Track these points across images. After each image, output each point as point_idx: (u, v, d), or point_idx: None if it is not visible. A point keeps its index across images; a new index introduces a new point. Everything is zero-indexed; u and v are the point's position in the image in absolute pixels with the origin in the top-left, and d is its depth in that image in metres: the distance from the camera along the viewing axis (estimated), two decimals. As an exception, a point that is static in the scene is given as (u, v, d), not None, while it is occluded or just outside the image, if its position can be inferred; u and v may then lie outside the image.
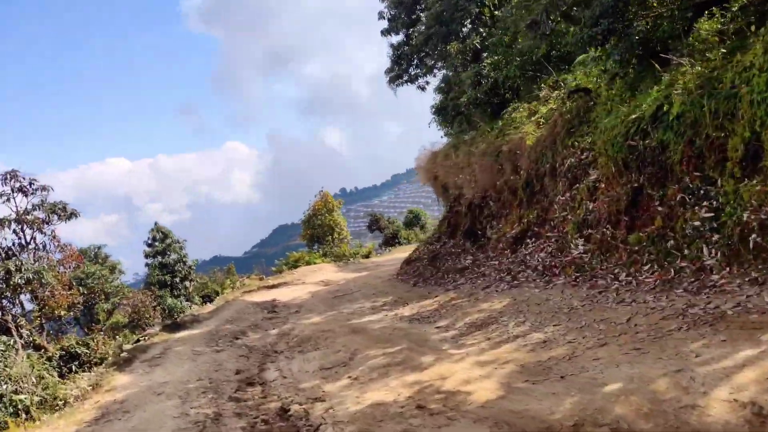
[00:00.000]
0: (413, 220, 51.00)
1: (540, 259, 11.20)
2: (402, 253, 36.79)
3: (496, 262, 13.12)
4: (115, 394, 9.70)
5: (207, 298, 29.00)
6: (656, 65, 9.33)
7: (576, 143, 11.73)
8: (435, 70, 21.88)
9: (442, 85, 21.67)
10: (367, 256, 37.14)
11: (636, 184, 9.36)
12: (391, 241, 45.88)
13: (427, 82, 22.34)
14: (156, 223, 29.86)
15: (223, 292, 28.50)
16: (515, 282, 11.02)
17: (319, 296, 19.71)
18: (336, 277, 26.28)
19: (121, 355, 12.08)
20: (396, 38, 21.80)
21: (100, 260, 33.08)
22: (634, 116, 9.07)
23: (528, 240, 12.52)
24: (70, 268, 23.73)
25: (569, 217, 11.24)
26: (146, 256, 29.36)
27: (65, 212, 19.83)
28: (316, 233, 42.11)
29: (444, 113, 21.44)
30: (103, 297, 28.27)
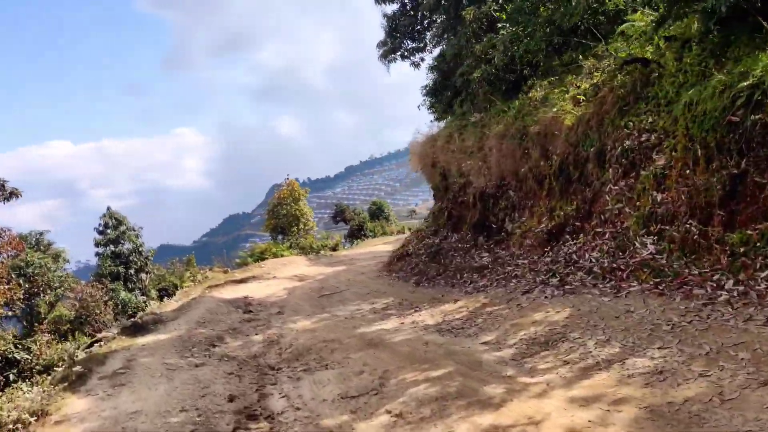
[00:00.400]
0: (376, 212, 49.32)
1: (594, 259, 9.37)
2: (373, 246, 34.92)
3: (527, 261, 11.26)
4: (69, 428, 7.38)
5: (164, 292, 26.37)
6: (765, 23, 7.57)
7: (631, 123, 9.94)
8: (431, 45, 19.89)
9: (436, 63, 19.65)
10: (334, 249, 35.09)
11: (736, 171, 7.58)
12: (357, 234, 44.00)
13: (422, 59, 20.37)
14: (109, 208, 26.95)
15: (183, 286, 25.95)
16: (567, 286, 9.16)
17: (298, 294, 17.57)
18: (310, 271, 24.15)
19: (74, 368, 9.70)
20: (391, 7, 19.70)
21: (42, 247, 29.96)
22: (745, 83, 7.25)
23: (567, 236, 10.70)
24: (9, 256, 20.86)
25: (626, 209, 9.45)
26: (97, 244, 26.45)
27: (4, 191, 17.01)
28: (281, 223, 39.80)
29: (439, 94, 19.47)
30: (46, 289, 25.36)
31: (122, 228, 26.29)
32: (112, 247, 25.84)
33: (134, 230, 26.64)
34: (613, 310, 7.59)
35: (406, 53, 20.12)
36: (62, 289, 27.89)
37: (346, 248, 38.04)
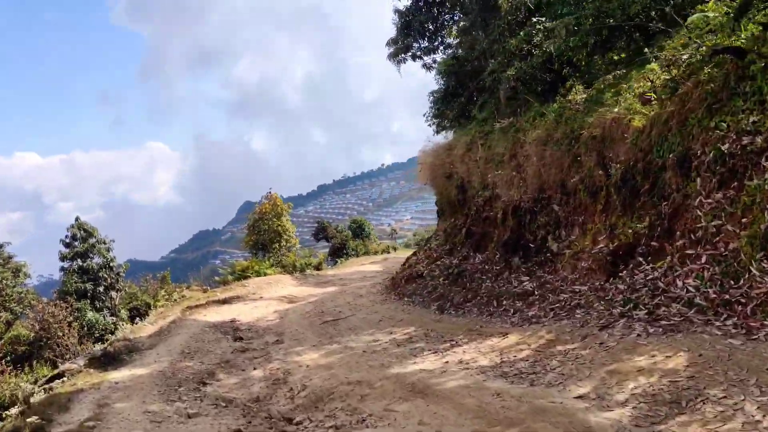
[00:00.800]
0: (357, 230, 47.61)
1: (692, 288, 7.55)
2: (359, 266, 33.06)
3: (587, 287, 9.43)
4: None
5: (136, 312, 23.91)
6: None
7: (725, 123, 8.23)
8: (443, 47, 18.16)
9: (449, 66, 17.89)
10: (318, 268, 33.05)
11: None
12: (339, 252, 42.14)
13: (435, 61, 18.61)
14: (77, 219, 24.43)
15: (157, 305, 23.52)
16: (663, 322, 7.32)
17: (294, 318, 15.54)
18: (299, 292, 22.20)
19: (28, 419, 7.52)
20: (404, 2, 17.91)
21: (1, 260, 27.30)
22: None
23: (640, 258, 8.89)
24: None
25: (729, 227, 7.69)
26: (62, 258, 23.82)
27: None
28: (262, 239, 37.63)
29: (451, 100, 17.71)
30: (0, 308, 22.78)
31: (92, 240, 23.77)
32: (79, 262, 23.32)
33: (105, 243, 24.16)
34: (757, 359, 5.76)
35: (418, 53, 18.37)
36: (21, 306, 25.31)
37: (330, 267, 36.10)
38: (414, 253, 19.86)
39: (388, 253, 43.80)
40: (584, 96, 11.81)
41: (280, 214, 38.30)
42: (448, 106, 17.88)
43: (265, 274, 28.04)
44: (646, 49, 10.34)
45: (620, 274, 9.00)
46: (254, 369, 10.45)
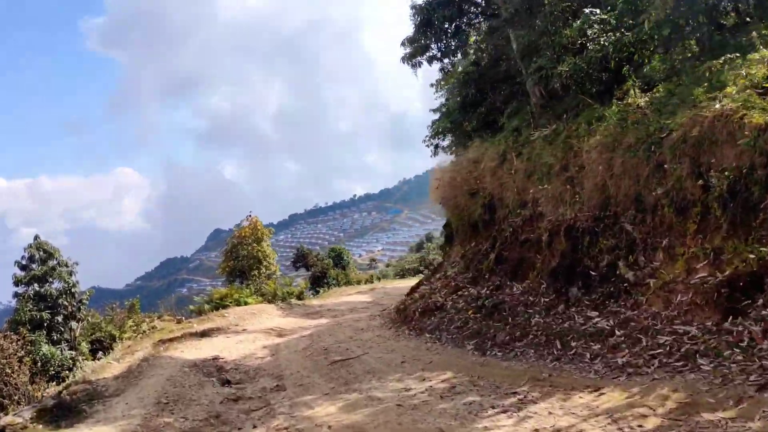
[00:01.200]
0: (335, 259, 45.43)
1: None
2: (347, 296, 30.80)
3: (695, 328, 7.30)
4: None
5: (98, 345, 21.08)
6: None
7: None
8: (460, 55, 16.27)
9: (468, 73, 15.93)
10: (299, 297, 30.61)
11: None
12: (320, 281, 39.80)
13: (452, 64, 16.66)
14: (37, 237, 21.59)
15: (123, 337, 20.74)
16: None
17: (289, 356, 13.19)
18: (287, 323, 19.83)
19: None
20: (421, -3, 15.92)
21: (-50, 285, 24.32)
22: None
23: (774, 291, 6.82)
24: None
25: None
26: (17, 282, 20.89)
27: None
28: (239, 266, 35.03)
29: (469, 111, 15.73)
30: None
31: (52, 263, 20.93)
32: (36, 287, 20.53)
33: (67, 266, 21.31)
34: None
35: (438, 54, 16.31)
36: (-31, 336, 22.30)
37: (313, 297, 33.66)
38: (421, 282, 17.63)
39: (372, 282, 41.59)
40: (646, 98, 9.92)
41: (260, 239, 35.91)
42: (467, 117, 15.91)
43: (246, 303, 25.48)
44: (753, 33, 8.46)
45: (747, 312, 6.89)
46: (254, 427, 8.05)
